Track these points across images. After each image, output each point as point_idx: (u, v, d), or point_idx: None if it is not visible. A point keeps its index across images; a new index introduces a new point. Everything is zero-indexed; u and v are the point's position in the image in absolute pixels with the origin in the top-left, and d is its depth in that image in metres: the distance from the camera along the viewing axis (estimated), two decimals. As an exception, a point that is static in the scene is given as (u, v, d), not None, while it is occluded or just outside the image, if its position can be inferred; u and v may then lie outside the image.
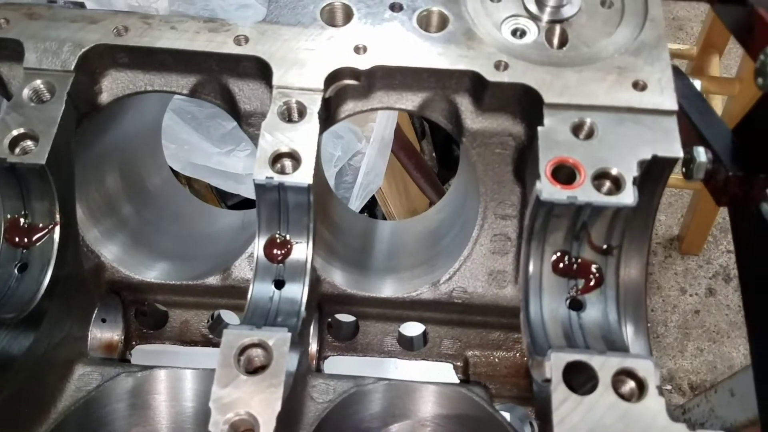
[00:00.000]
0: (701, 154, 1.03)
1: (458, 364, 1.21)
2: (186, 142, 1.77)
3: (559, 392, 0.73)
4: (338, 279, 1.07)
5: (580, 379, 0.77)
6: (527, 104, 0.96)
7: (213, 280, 1.07)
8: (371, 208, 2.80)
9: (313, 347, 1.17)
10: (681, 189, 3.77)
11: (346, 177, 2.24)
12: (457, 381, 1.19)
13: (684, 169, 1.06)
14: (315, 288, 1.06)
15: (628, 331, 0.95)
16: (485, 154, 1.04)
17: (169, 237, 1.21)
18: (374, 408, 0.98)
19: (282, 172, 0.87)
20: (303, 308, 0.86)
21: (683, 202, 3.89)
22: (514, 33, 1.00)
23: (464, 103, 1.00)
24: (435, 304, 1.11)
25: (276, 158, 0.88)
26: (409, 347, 1.23)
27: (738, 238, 1.08)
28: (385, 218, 2.69)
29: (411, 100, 1.01)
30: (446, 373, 1.22)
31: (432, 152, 3.60)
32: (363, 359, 1.23)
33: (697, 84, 1.22)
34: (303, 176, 0.86)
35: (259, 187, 0.86)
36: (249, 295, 0.88)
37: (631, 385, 0.75)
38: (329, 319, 1.20)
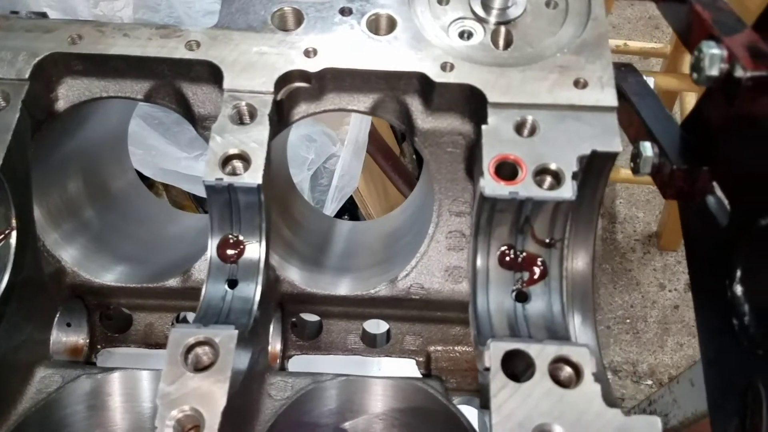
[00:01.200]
0: (647, 148, 1.06)
1: (420, 359, 1.23)
2: (153, 147, 1.79)
3: (497, 380, 0.76)
4: (296, 277, 1.09)
5: (520, 367, 0.80)
6: (474, 104, 0.98)
7: (173, 282, 1.09)
8: (352, 210, 2.83)
9: (277, 346, 1.19)
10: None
11: (321, 180, 2.26)
12: (419, 376, 1.21)
13: (632, 164, 1.09)
14: (274, 287, 1.08)
15: (576, 322, 0.97)
16: (437, 153, 1.06)
17: (131, 240, 1.22)
18: (331, 404, 1.00)
19: (233, 173, 0.89)
20: (255, 307, 0.88)
21: (661, 199, 3.95)
22: (461, 35, 1.03)
23: (414, 104, 1.03)
24: (394, 301, 1.13)
25: (226, 160, 0.90)
26: (372, 344, 1.25)
27: (686, 231, 1.10)
28: (365, 220, 2.71)
29: (362, 102, 1.03)
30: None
31: (412, 154, 3.63)
32: (349, 359, 1.25)
33: (651, 81, 1.25)
34: (252, 177, 0.88)
35: (210, 189, 0.88)
36: (202, 295, 0.90)
37: (568, 372, 0.78)
38: (293, 319, 1.22)
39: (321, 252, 1.25)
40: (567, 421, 0.73)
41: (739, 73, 0.83)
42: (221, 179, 0.87)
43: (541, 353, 0.78)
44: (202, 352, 0.78)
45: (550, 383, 0.76)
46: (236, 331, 0.77)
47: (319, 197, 2.25)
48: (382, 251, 1.26)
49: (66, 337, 1.18)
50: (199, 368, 0.78)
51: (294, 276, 1.09)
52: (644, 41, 3.58)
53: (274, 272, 1.07)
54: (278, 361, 1.18)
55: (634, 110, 1.14)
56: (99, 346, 1.20)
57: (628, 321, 3.75)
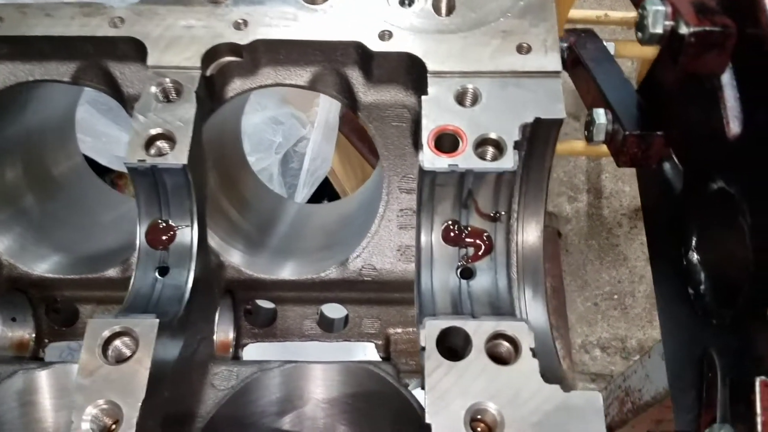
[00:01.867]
0: (600, 115, 1.01)
1: (380, 342, 1.20)
2: (104, 134, 1.74)
3: (432, 359, 0.72)
4: (239, 261, 1.05)
5: (461, 345, 0.76)
6: (416, 74, 0.94)
7: (112, 272, 1.05)
8: (331, 194, 2.77)
9: (230, 335, 1.15)
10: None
11: (291, 164, 2.21)
12: (379, 359, 1.18)
13: (585, 132, 1.04)
14: (217, 273, 1.04)
15: (527, 296, 0.94)
16: (382, 128, 1.02)
17: (72, 228, 1.18)
18: (279, 392, 0.97)
19: (159, 154, 0.85)
20: (187, 295, 0.84)
21: (647, 172, 3.90)
22: (401, 2, 0.98)
23: (355, 76, 0.98)
24: (346, 284, 1.09)
25: (151, 140, 0.85)
26: (329, 329, 1.21)
27: (643, 199, 1.07)
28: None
29: (301, 75, 0.99)
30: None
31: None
32: (339, 346, 1.21)
33: (611, 47, 1.21)
34: (177, 157, 0.83)
35: (133, 171, 0.84)
36: (131, 284, 0.86)
37: (508, 348, 0.74)
38: (248, 306, 1.19)
39: (268, 233, 1.21)
40: (503, 399, 0.70)
41: (683, 29, 0.78)
42: (144, 161, 0.83)
43: (478, 330, 0.74)
44: (122, 343, 0.75)
45: (487, 360, 0.72)
46: (157, 321, 0.74)
47: (291, 182, 2.21)
48: (333, 233, 1.22)
49: (12, 332, 1.14)
50: (121, 360, 0.74)
51: (237, 260, 1.05)
52: (618, 11, 3.50)
53: (217, 258, 1.03)
54: (231, 350, 1.14)
55: (591, 77, 1.10)
56: (46, 340, 1.16)
57: (615, 297, 3.72)
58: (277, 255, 1.13)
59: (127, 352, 0.74)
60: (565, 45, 1.14)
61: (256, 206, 1.23)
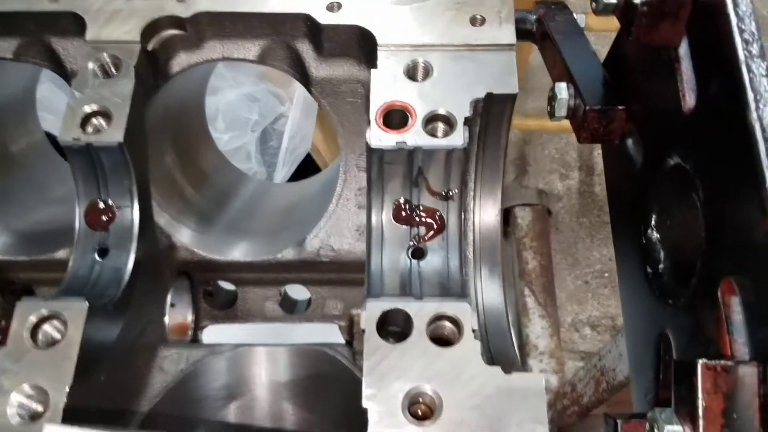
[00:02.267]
0: (562, 90, 0.98)
1: (343, 324, 1.18)
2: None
3: (371, 342, 0.70)
4: (188, 239, 1.02)
5: (405, 327, 0.74)
6: (367, 48, 0.90)
7: (62, 253, 1.02)
8: (314, 173, 2.74)
9: (188, 317, 1.13)
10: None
11: (270, 142, 2.18)
12: (343, 342, 1.16)
13: (548, 108, 1.01)
14: (168, 254, 1.02)
15: (483, 275, 0.91)
16: (337, 104, 0.99)
17: (26, 208, 1.15)
18: (230, 376, 0.95)
19: (96, 131, 0.82)
20: (127, 277, 0.82)
21: (639, 149, 3.86)
22: (353, -29, 0.94)
23: (305, 50, 0.95)
24: (304, 265, 1.07)
25: (87, 117, 0.82)
26: (291, 310, 1.19)
27: (607, 176, 1.04)
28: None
29: (249, 49, 0.95)
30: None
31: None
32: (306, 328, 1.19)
33: (581, 19, 1.17)
34: (113, 135, 0.80)
35: (68, 150, 0.81)
36: (69, 266, 0.83)
37: (451, 329, 0.72)
38: (209, 288, 1.16)
39: (222, 210, 1.17)
40: (443, 381, 0.67)
41: (636, -1, 0.75)
42: (78, 139, 0.80)
43: (420, 312, 0.72)
44: (52, 327, 0.72)
45: (428, 342, 0.70)
46: (86, 304, 0.71)
47: (270, 160, 2.17)
48: (291, 213, 1.20)
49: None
50: (51, 344, 0.72)
51: (188, 239, 1.02)
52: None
53: (167, 238, 1.01)
54: (189, 332, 1.12)
55: (557, 50, 1.06)
56: (2, 322, 1.14)
57: (606, 275, 3.71)
58: (230, 234, 1.11)
59: (57, 336, 0.72)
60: (534, 17, 1.10)
61: (215, 182, 1.20)
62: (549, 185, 3.84)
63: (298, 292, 1.24)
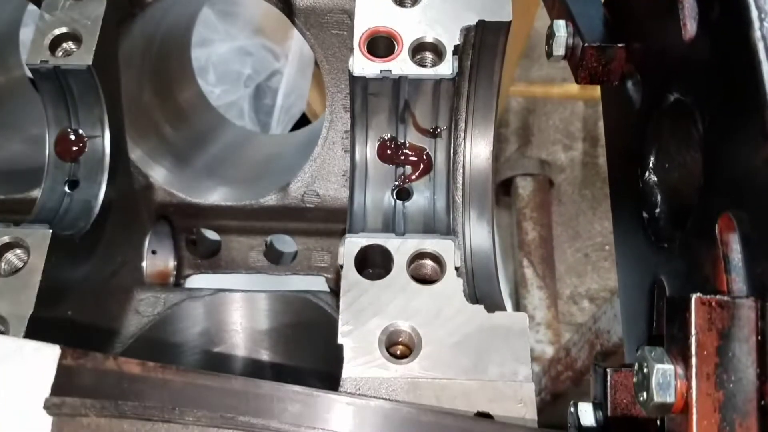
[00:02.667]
0: (560, 27, 0.93)
1: (330, 276, 1.14)
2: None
3: (349, 278, 0.66)
4: (163, 178, 0.98)
5: (384, 264, 0.70)
6: (354, -28, 0.85)
7: (38, 192, 0.98)
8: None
9: (170, 263, 1.10)
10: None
11: (265, 100, 2.13)
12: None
13: (546, 47, 0.96)
14: (145, 194, 0.98)
15: (472, 216, 0.87)
16: (322, 36, 0.94)
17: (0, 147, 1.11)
18: (207, 321, 0.92)
19: (66, 55, 0.78)
20: (96, 210, 0.78)
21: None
22: None
23: (288, -23, 0.90)
24: (288, 212, 1.03)
25: (57, 40, 0.78)
26: (277, 261, 1.15)
27: (605, 121, 0.99)
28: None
29: (230, -22, 0.90)
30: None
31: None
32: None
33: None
34: (82, 58, 0.76)
35: (36, 74, 0.77)
36: (38, 198, 0.79)
37: (433, 266, 0.68)
38: (193, 236, 1.13)
39: (201, 152, 1.13)
40: (423, 318, 0.64)
41: None
42: (46, 61, 0.76)
43: (401, 248, 0.68)
44: (15, 256, 0.69)
45: (407, 279, 0.66)
46: (50, 231, 0.68)
47: (264, 119, 2.13)
48: (275, 159, 1.15)
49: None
50: (12, 272, 0.69)
51: (163, 178, 0.98)
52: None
53: (144, 178, 0.97)
54: (171, 279, 1.09)
55: (557, -13, 1.01)
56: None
57: (607, 248, 3.67)
58: (209, 178, 1.07)
59: (20, 264, 0.68)
60: (534, -44, 1.05)
61: (194, 123, 1.16)
62: (552, 156, 3.78)
63: (284, 244, 1.21)
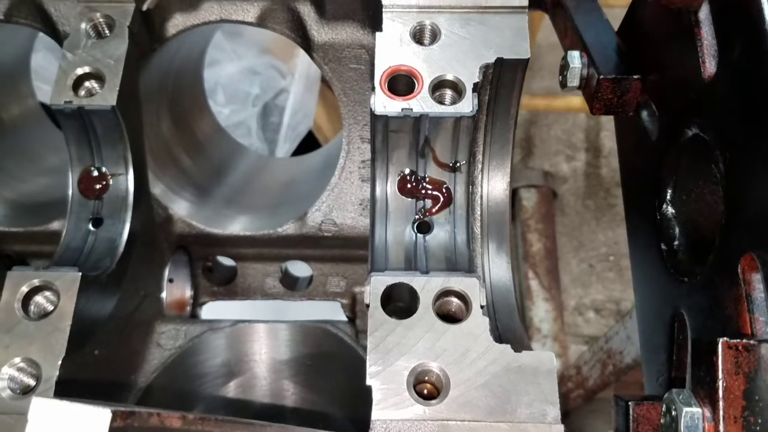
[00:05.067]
0: (575, 58, 0.94)
1: (345, 302, 1.15)
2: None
3: (376, 317, 0.67)
4: (185, 211, 0.99)
5: (409, 302, 0.71)
6: (372, 9, 0.86)
7: (56, 225, 0.99)
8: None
9: (186, 292, 1.10)
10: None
11: (272, 118, 2.14)
12: (345, 319, 1.13)
13: (560, 78, 0.97)
14: (165, 227, 0.98)
15: (490, 251, 0.88)
16: (340, 70, 0.95)
17: (16, 178, 1.12)
18: (229, 353, 0.92)
19: (89, 95, 0.78)
20: (121, 248, 0.79)
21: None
22: (358, -71, 0.90)
23: (307, 12, 0.91)
24: (305, 240, 1.03)
25: (79, 80, 0.79)
26: (292, 287, 1.16)
27: (620, 149, 1.00)
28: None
29: (248, 11, 0.91)
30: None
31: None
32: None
33: (594, -13, 1.12)
34: (106, 98, 0.77)
35: (60, 114, 0.78)
36: (62, 237, 0.80)
37: (458, 304, 0.69)
38: (208, 263, 1.13)
39: (221, 182, 1.14)
40: (450, 358, 0.64)
41: (660, -44, 0.71)
42: (70, 102, 0.76)
43: (426, 286, 0.68)
44: (44, 298, 0.69)
45: (434, 318, 0.67)
46: (79, 274, 0.68)
47: (271, 137, 2.14)
48: (292, 186, 1.16)
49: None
50: (43, 316, 0.69)
51: (185, 211, 0.99)
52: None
53: (164, 210, 0.98)
54: (187, 308, 1.09)
55: (569, 17, 1.02)
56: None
57: (611, 258, 3.67)
58: (228, 207, 1.08)
59: (50, 307, 0.69)
60: (546, -17, 1.06)
61: (212, 153, 1.17)
62: (555, 167, 3.79)
63: (299, 269, 1.21)
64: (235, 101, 1.91)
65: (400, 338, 0.66)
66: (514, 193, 3.30)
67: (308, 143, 2.39)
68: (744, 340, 0.56)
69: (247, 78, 1.92)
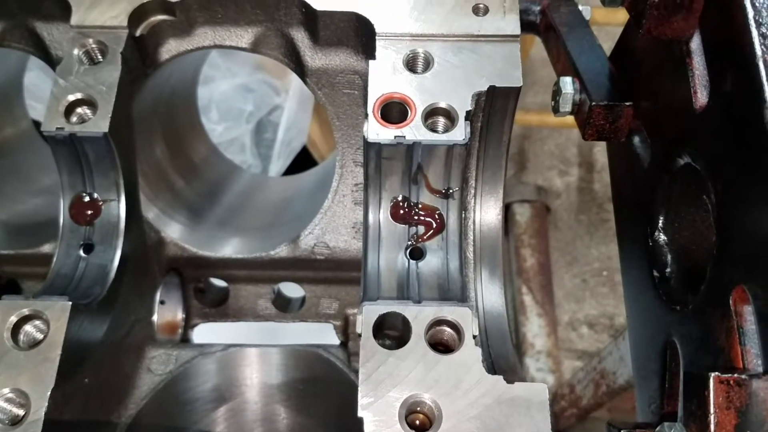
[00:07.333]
0: (567, 84, 0.94)
1: (338, 323, 1.14)
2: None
3: (367, 347, 0.67)
4: (177, 235, 0.99)
5: (402, 331, 0.70)
6: (365, 36, 0.87)
7: (48, 247, 0.99)
8: (310, 167, 2.70)
9: (178, 315, 1.10)
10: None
11: (266, 134, 2.14)
12: (337, 342, 1.13)
13: (552, 103, 0.97)
14: (157, 250, 0.98)
15: (483, 276, 0.88)
16: (333, 95, 0.95)
17: (10, 199, 1.11)
18: (220, 377, 0.91)
19: (81, 121, 0.78)
20: (112, 274, 0.78)
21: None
22: (352, -44, 0.90)
23: (300, 38, 0.91)
24: (298, 262, 1.03)
25: (71, 106, 0.78)
26: (285, 309, 1.16)
27: (612, 175, 1.00)
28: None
29: (242, 36, 0.91)
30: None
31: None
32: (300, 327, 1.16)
33: (587, 11, 1.13)
34: (98, 125, 0.77)
35: (51, 141, 0.77)
36: (52, 263, 0.79)
37: (451, 334, 0.69)
38: (200, 285, 1.13)
39: (213, 204, 1.14)
40: (442, 390, 0.64)
41: (649, -11, 0.71)
42: (62, 128, 0.76)
43: (419, 316, 0.68)
44: (34, 327, 0.69)
45: (426, 348, 0.66)
46: (69, 303, 0.68)
47: (265, 153, 2.14)
48: (285, 208, 1.16)
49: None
50: (33, 345, 0.68)
51: (177, 235, 0.99)
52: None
53: (156, 233, 0.97)
54: (179, 331, 1.09)
55: (562, 43, 1.02)
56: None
57: (605, 273, 3.68)
58: (221, 230, 1.07)
59: (39, 337, 0.68)
60: (538, 8, 1.07)
61: (206, 174, 1.16)
62: (548, 182, 3.80)
63: (292, 290, 1.21)
64: (228, 118, 1.91)
65: (392, 369, 0.66)
66: (507, 208, 3.31)
67: (302, 158, 2.39)
68: (736, 375, 0.56)
69: (241, 95, 1.92)
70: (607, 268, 3.71)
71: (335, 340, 1.09)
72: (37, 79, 1.65)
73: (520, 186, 3.44)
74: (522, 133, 3.85)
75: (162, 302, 1.05)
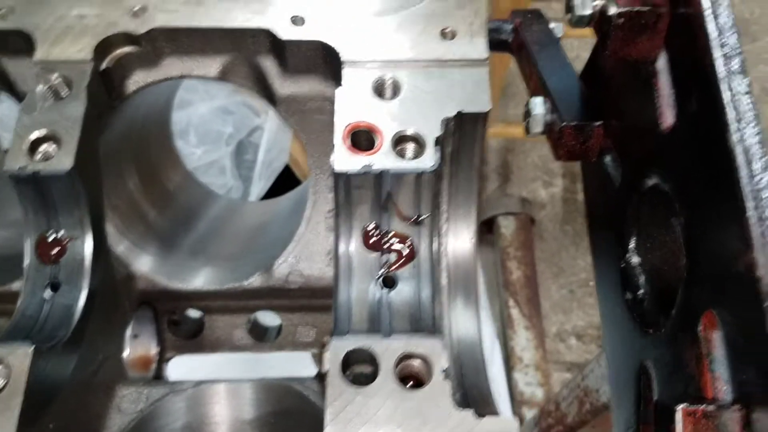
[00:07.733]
0: (537, 105, 0.94)
1: (316, 351, 1.13)
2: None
3: (334, 385, 0.65)
4: (148, 268, 0.97)
5: (371, 365, 0.69)
6: (333, 64, 0.86)
7: (18, 285, 0.96)
8: (294, 187, 2.69)
9: (152, 350, 1.08)
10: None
11: (246, 156, 2.13)
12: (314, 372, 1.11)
13: (524, 123, 0.97)
14: (127, 285, 0.96)
15: (458, 303, 0.87)
16: (304, 122, 0.94)
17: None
18: (191, 415, 0.89)
19: (46, 158, 0.77)
20: (77, 314, 0.77)
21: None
22: (317, -18, 0.90)
23: (269, 66, 0.90)
24: (272, 292, 1.02)
25: (36, 143, 0.77)
26: (261, 338, 1.14)
27: (586, 195, 1.00)
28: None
29: (209, 66, 0.90)
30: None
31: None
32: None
33: (559, 28, 1.13)
34: (62, 162, 0.75)
35: (15, 180, 0.76)
36: (17, 304, 0.78)
37: (421, 365, 0.68)
38: (174, 317, 1.11)
39: (185, 232, 1.12)
40: (410, 426, 0.63)
41: (612, 10, 0.71)
42: (25, 167, 0.75)
43: (387, 351, 0.67)
44: (-3, 372, 0.67)
45: (394, 385, 0.65)
46: (31, 349, 0.66)
47: (246, 174, 2.12)
48: (258, 235, 1.15)
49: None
50: (-5, 391, 0.67)
51: (148, 268, 0.97)
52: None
53: (125, 268, 0.96)
54: (152, 366, 1.07)
55: (533, 61, 1.02)
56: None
57: (591, 283, 3.67)
58: (194, 260, 1.06)
59: (0, 384, 0.67)
60: (510, 27, 1.07)
61: (180, 202, 1.14)
62: (532, 193, 3.81)
63: (268, 318, 1.19)
64: (207, 141, 1.90)
65: (359, 407, 0.64)
66: (491, 221, 3.31)
67: (284, 177, 2.38)
68: (704, 406, 0.56)
69: (220, 117, 1.91)
70: (594, 278, 3.70)
71: (313, 369, 1.07)
72: (8, 109, 1.63)
73: (504, 198, 3.45)
74: (505, 146, 3.86)
75: (135, 336, 1.04)
